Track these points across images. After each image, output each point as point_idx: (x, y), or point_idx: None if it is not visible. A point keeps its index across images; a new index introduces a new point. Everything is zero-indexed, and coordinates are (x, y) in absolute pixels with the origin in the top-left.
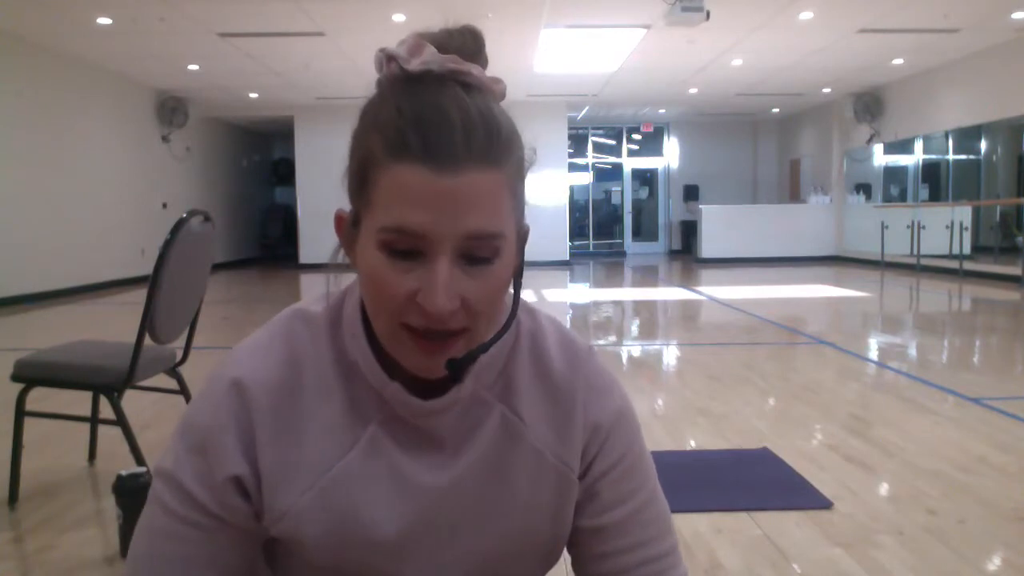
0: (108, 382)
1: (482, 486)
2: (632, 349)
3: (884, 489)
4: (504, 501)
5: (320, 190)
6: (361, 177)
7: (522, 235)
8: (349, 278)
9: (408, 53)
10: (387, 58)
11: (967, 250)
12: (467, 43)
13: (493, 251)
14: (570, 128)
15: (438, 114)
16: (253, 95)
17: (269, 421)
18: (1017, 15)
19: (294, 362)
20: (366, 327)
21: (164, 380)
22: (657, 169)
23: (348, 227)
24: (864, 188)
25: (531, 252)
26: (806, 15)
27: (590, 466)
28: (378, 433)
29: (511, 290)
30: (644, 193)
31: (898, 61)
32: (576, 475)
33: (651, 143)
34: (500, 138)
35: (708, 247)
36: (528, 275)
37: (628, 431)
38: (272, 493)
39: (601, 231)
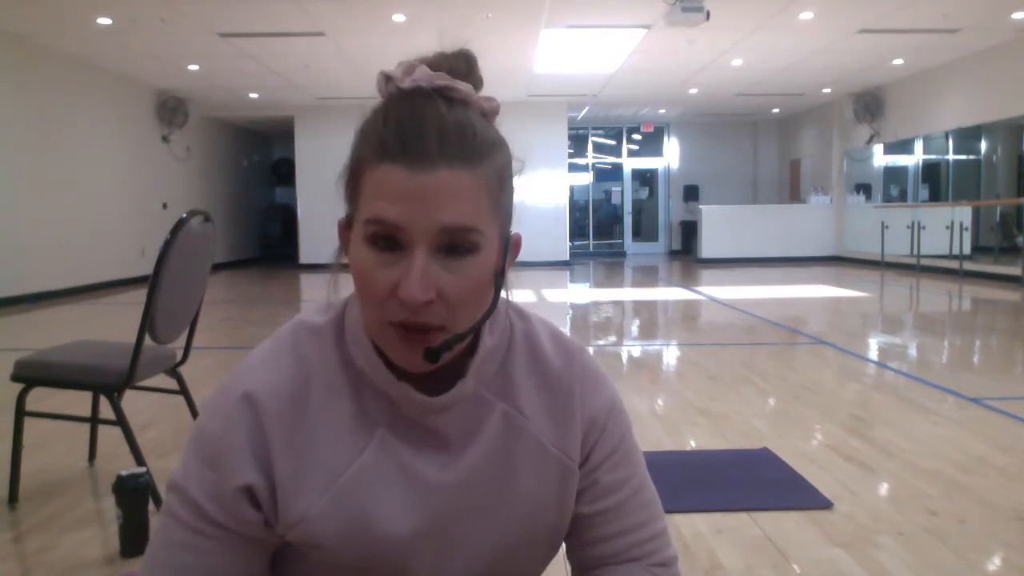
0: (108, 382)
1: (488, 480)
2: (632, 349)
3: (884, 489)
4: (509, 492)
5: (320, 190)
6: (353, 182)
7: (506, 239)
8: (349, 284)
9: (403, 73)
10: (385, 79)
11: (967, 250)
12: (459, 64)
13: (470, 246)
14: (570, 128)
15: (416, 121)
16: (253, 95)
17: (282, 430)
18: (1017, 15)
19: (302, 372)
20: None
21: (164, 380)
22: (657, 169)
23: (344, 229)
24: (864, 188)
25: (531, 252)
26: (806, 15)
27: (589, 455)
28: (387, 435)
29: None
30: (644, 193)
31: (898, 61)
32: (576, 465)
33: (651, 143)
34: (474, 143)
35: (708, 247)
36: (528, 275)
37: (622, 420)
38: (288, 499)
39: (601, 231)
